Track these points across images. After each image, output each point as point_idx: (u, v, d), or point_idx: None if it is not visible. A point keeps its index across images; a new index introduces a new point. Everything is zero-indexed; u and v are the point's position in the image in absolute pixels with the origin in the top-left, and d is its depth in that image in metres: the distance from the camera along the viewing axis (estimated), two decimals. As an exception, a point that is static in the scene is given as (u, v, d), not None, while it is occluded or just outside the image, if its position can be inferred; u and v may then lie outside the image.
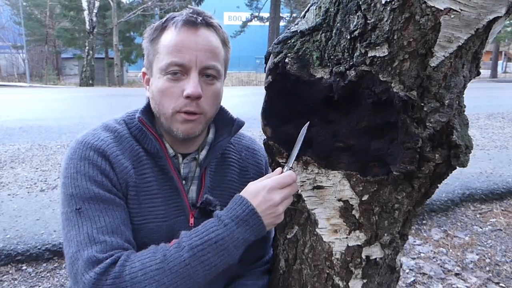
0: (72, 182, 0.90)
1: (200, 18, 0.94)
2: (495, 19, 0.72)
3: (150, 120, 1.00)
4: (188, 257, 0.84)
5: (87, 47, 21.18)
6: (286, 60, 0.86)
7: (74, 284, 0.85)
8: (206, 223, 0.88)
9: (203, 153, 1.06)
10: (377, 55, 0.76)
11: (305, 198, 0.94)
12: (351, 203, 0.90)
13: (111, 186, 0.91)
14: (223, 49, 0.99)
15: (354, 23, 0.77)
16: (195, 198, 1.04)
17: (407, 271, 2.29)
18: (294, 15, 28.45)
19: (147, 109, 1.01)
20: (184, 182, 1.02)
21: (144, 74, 1.04)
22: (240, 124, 1.08)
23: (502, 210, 3.20)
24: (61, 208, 0.91)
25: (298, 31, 0.86)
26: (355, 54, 0.79)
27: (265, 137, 0.98)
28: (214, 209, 1.00)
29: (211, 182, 1.06)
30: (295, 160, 0.93)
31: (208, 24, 0.96)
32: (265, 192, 0.87)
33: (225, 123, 1.08)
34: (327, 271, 0.96)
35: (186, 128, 0.95)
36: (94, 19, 21.16)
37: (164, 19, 0.98)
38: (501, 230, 2.86)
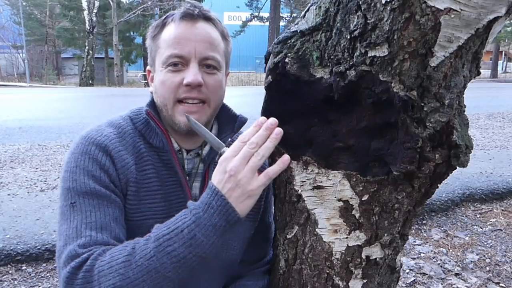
0: (70, 176, 0.90)
1: (197, 10, 0.96)
2: (495, 19, 0.72)
3: (157, 114, 1.01)
4: (153, 248, 0.78)
5: (87, 47, 21.21)
6: (286, 60, 0.86)
7: (59, 277, 0.84)
8: (178, 214, 0.83)
9: (206, 149, 1.06)
10: (377, 55, 0.76)
11: (305, 198, 0.94)
12: (351, 203, 0.90)
13: (108, 182, 0.91)
14: (222, 42, 1.01)
15: (354, 23, 0.77)
16: (198, 194, 1.04)
17: (407, 271, 2.29)
18: (294, 15, 28.46)
19: (153, 104, 1.02)
20: (187, 178, 1.02)
21: (149, 72, 1.06)
22: (243, 120, 1.09)
23: (502, 210, 3.20)
24: (59, 202, 0.92)
25: (298, 31, 0.86)
26: (355, 54, 0.79)
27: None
28: None
29: None
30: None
31: (206, 17, 0.98)
32: (220, 167, 0.82)
33: (228, 119, 1.09)
34: (327, 271, 0.95)
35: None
36: (94, 19, 21.18)
37: (165, 16, 1.01)
38: (501, 230, 2.86)
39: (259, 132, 0.82)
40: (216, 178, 0.81)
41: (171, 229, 0.79)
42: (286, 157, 0.83)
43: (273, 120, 0.82)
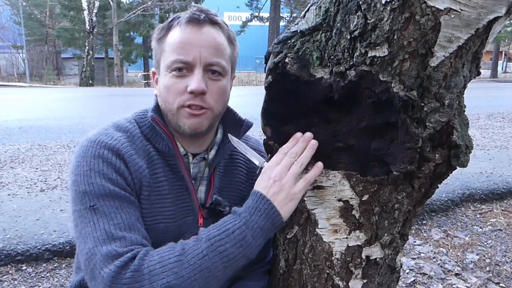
0: (85, 179, 0.88)
1: (204, 15, 0.95)
2: (495, 19, 0.72)
3: (162, 119, 1.00)
4: (205, 248, 0.82)
5: (87, 47, 21.20)
6: (286, 60, 0.86)
7: (91, 280, 0.83)
8: (224, 218, 0.88)
9: (212, 153, 1.06)
10: (377, 55, 0.76)
11: (305, 198, 0.94)
12: (351, 203, 0.90)
13: (125, 185, 0.90)
14: (228, 47, 1.00)
15: (354, 23, 0.77)
16: (204, 198, 1.04)
17: (407, 271, 2.29)
18: (294, 15, 28.45)
19: (158, 108, 1.02)
20: (193, 182, 1.02)
21: (153, 74, 1.06)
22: (249, 125, 1.09)
23: (502, 210, 3.20)
24: (72, 206, 0.90)
25: (298, 31, 0.86)
26: (355, 54, 0.79)
27: (265, 137, 0.98)
28: (223, 209, 1.01)
29: (220, 183, 1.06)
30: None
31: (212, 21, 0.97)
32: (265, 175, 0.90)
33: (234, 124, 1.09)
34: (327, 271, 0.95)
35: (193, 123, 0.95)
36: (94, 19, 21.17)
37: (171, 18, 1.00)
38: (501, 230, 2.86)
39: (298, 144, 0.89)
40: (261, 185, 0.89)
41: (222, 230, 0.84)
42: (320, 164, 0.90)
43: (309, 133, 0.90)
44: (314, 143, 0.89)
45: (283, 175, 0.87)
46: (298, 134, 0.90)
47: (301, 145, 0.89)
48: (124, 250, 0.82)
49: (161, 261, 0.81)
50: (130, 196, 0.90)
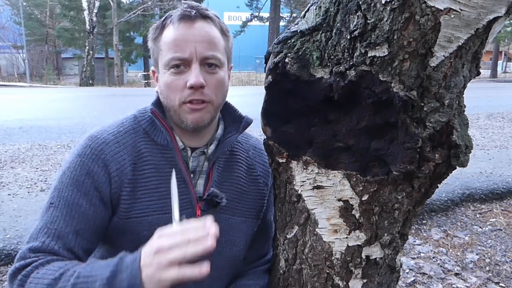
0: (62, 176, 0.95)
1: (194, 11, 0.97)
2: (495, 19, 0.72)
3: (162, 112, 1.04)
4: (71, 284, 0.81)
5: (87, 47, 21.22)
6: (286, 60, 0.86)
7: None
8: (105, 261, 0.84)
9: (212, 148, 1.08)
10: (377, 55, 0.76)
11: (305, 198, 0.94)
12: (351, 203, 0.90)
13: (92, 191, 0.94)
14: (222, 39, 1.02)
15: (354, 23, 0.77)
16: (202, 192, 1.05)
17: (407, 271, 2.29)
18: (294, 15, 28.45)
19: (158, 103, 1.05)
20: (192, 175, 1.04)
21: (153, 72, 1.09)
22: (249, 121, 1.11)
23: (502, 210, 3.20)
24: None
25: (298, 31, 0.87)
26: (355, 54, 0.79)
27: (265, 137, 0.98)
28: (220, 201, 1.02)
29: (219, 177, 1.07)
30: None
31: (203, 16, 0.99)
32: (154, 237, 0.80)
33: (234, 120, 1.11)
34: (327, 271, 0.96)
35: (195, 117, 0.98)
36: (94, 19, 21.19)
37: (164, 17, 1.02)
38: (501, 230, 2.86)
39: (199, 231, 0.77)
40: (147, 247, 0.80)
41: (91, 274, 0.82)
42: (205, 269, 0.76)
43: (214, 231, 0.76)
44: (208, 246, 0.75)
45: (162, 251, 0.76)
46: (208, 223, 0.78)
47: (200, 234, 0.76)
48: (31, 255, 0.87)
49: (41, 278, 0.84)
50: (89, 208, 0.93)
